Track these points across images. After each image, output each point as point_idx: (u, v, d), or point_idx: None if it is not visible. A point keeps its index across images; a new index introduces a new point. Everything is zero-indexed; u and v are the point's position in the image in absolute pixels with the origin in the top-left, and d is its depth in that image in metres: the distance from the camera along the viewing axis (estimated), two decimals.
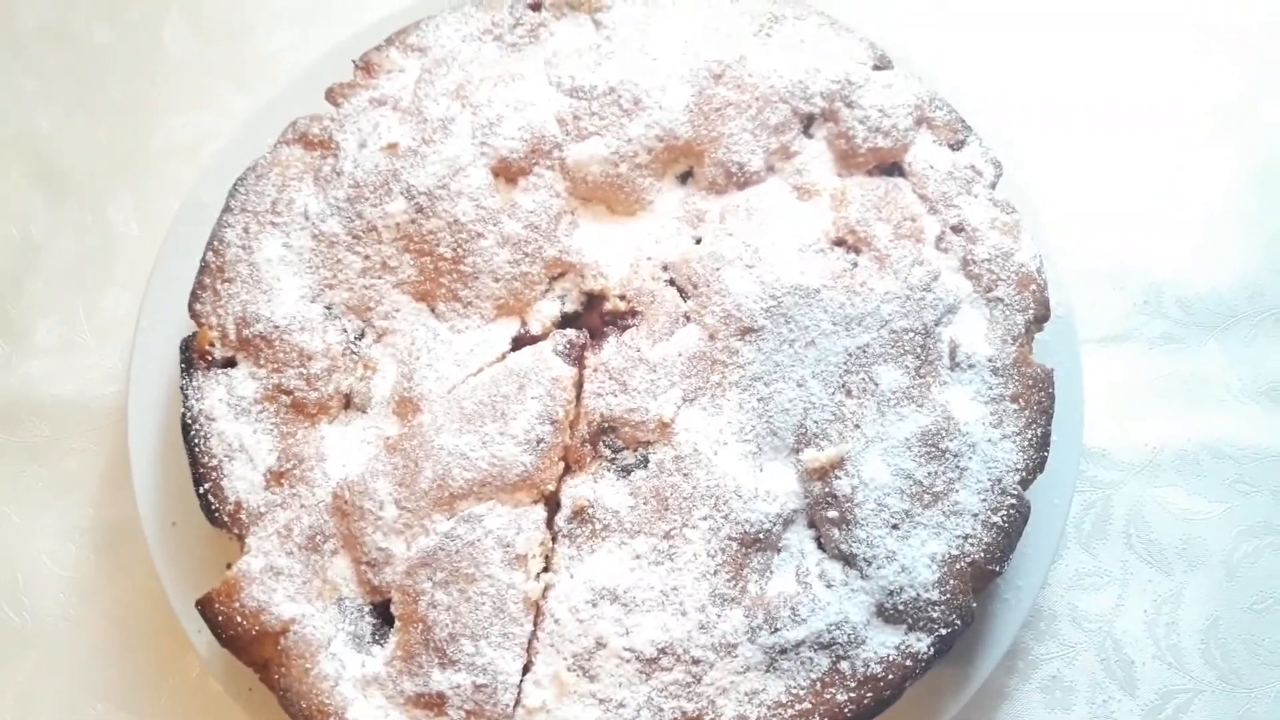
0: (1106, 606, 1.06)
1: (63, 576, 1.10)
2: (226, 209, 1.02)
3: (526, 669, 0.88)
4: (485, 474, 0.89)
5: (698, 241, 0.99)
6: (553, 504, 0.92)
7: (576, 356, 0.95)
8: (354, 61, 1.07)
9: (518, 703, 0.87)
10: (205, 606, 0.89)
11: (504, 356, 0.97)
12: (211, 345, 0.97)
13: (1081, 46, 1.26)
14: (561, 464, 0.92)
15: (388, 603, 0.89)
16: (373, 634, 0.89)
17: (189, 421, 0.95)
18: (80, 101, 1.29)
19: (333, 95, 1.05)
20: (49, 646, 1.08)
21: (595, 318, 0.99)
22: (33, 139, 1.27)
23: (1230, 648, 1.05)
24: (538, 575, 0.89)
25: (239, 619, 0.87)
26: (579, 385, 0.95)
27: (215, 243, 1.00)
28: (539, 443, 0.91)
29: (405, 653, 0.87)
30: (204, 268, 1.00)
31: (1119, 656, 1.05)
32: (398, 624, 0.88)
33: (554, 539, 0.91)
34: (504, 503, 0.90)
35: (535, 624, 0.89)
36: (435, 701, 0.85)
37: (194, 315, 0.99)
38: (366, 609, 0.89)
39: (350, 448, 0.94)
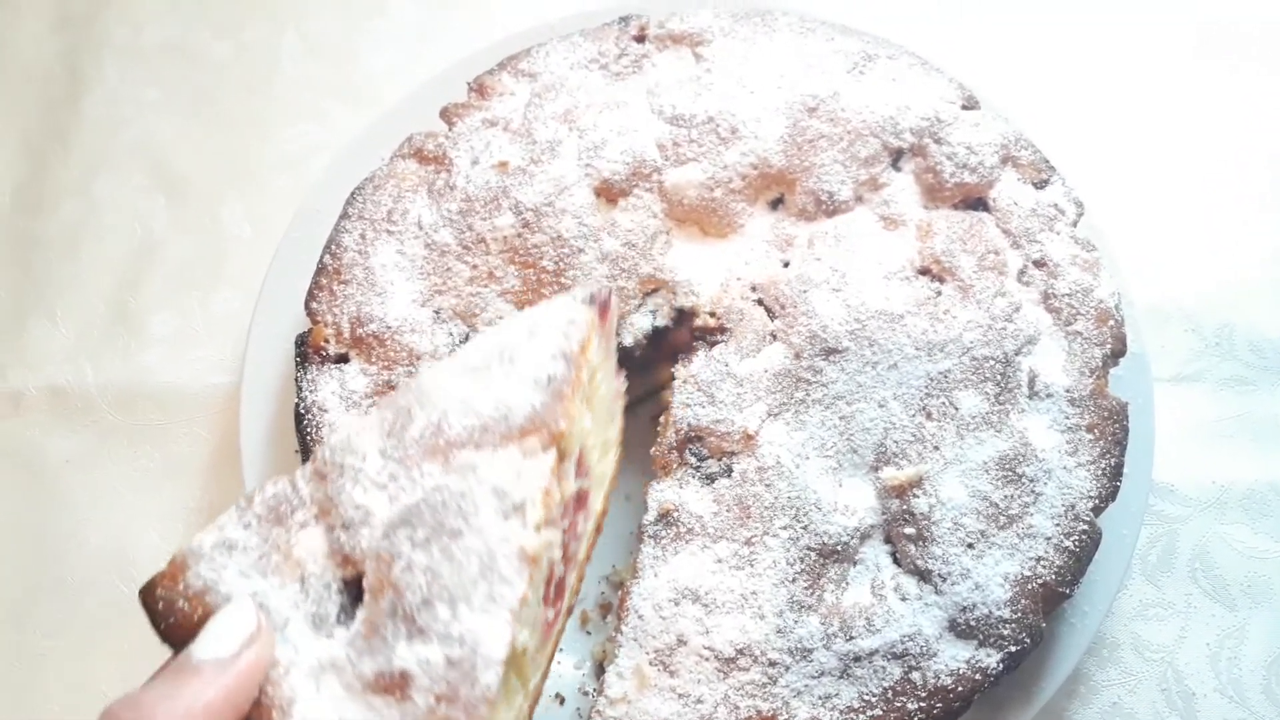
0: (1169, 638, 1.09)
1: (169, 553, 1.16)
2: (344, 215, 1.09)
3: (610, 658, 0.92)
4: (488, 419, 0.74)
5: (786, 265, 1.04)
6: (562, 448, 0.75)
7: (600, 304, 0.82)
8: (468, 83, 1.14)
9: (601, 693, 0.92)
10: (147, 594, 0.72)
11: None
12: (326, 341, 1.04)
13: (1162, 92, 1.30)
14: (579, 404, 0.78)
15: (360, 578, 0.72)
16: (339, 615, 0.72)
17: (302, 411, 1.02)
18: (199, 112, 1.38)
19: (447, 114, 1.12)
20: None
21: (685, 333, 1.04)
22: (155, 146, 1.36)
23: None
24: (538, 528, 0.71)
25: (181, 603, 0.71)
26: (598, 331, 0.82)
27: (333, 246, 1.08)
28: (550, 380, 0.75)
29: (369, 628, 0.70)
30: (321, 269, 1.07)
31: (1180, 688, 1.07)
32: (367, 598, 0.71)
33: (561, 504, 0.78)
34: (508, 449, 0.73)
35: (620, 618, 0.94)
36: (397, 683, 0.68)
37: (310, 313, 1.06)
38: (334, 585, 0.72)
39: None
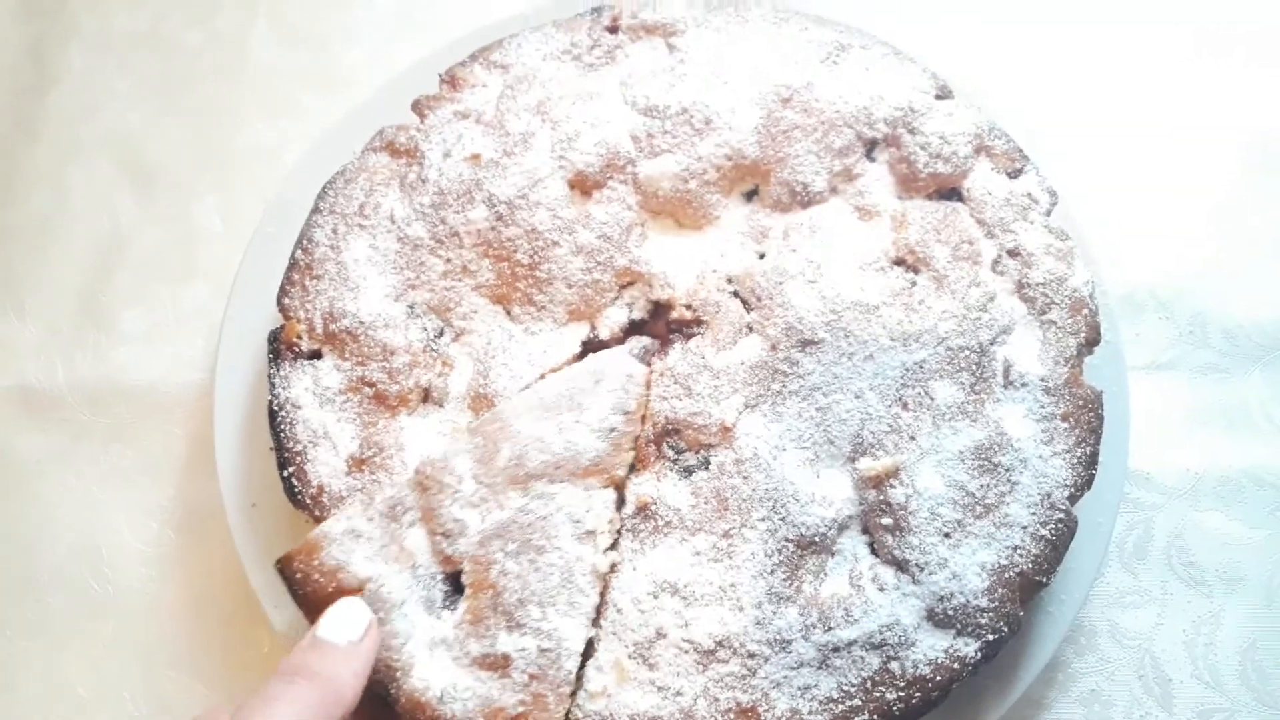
0: (1146, 625, 1.09)
1: (143, 551, 1.16)
2: (316, 210, 1.07)
3: (590, 652, 0.92)
4: (559, 457, 0.94)
5: (761, 256, 1.04)
6: (622, 490, 0.96)
7: (648, 360, 1.01)
8: (440, 75, 1.12)
9: (580, 682, 0.91)
10: (285, 564, 0.93)
11: (575, 359, 1.02)
12: (299, 337, 1.02)
13: (1135, 80, 1.30)
14: (632, 453, 0.97)
15: (458, 574, 0.93)
16: (443, 600, 0.93)
17: (276, 408, 1.00)
18: (170, 103, 1.35)
19: (418, 107, 1.11)
20: (127, 617, 1.14)
21: (661, 325, 1.04)
22: (125, 137, 1.34)
23: (1267, 670, 1.07)
24: (605, 551, 0.94)
25: (317, 576, 0.91)
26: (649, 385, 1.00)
27: (305, 241, 1.06)
28: (611, 431, 0.95)
29: (474, 617, 0.91)
30: (293, 264, 1.06)
31: (1157, 674, 1.08)
32: (468, 591, 0.92)
33: (619, 530, 0.96)
34: (575, 485, 0.94)
35: (600, 605, 0.93)
36: (500, 663, 0.89)
37: (282, 309, 1.04)
38: (439, 577, 0.93)
39: (427, 439, 0.99)
